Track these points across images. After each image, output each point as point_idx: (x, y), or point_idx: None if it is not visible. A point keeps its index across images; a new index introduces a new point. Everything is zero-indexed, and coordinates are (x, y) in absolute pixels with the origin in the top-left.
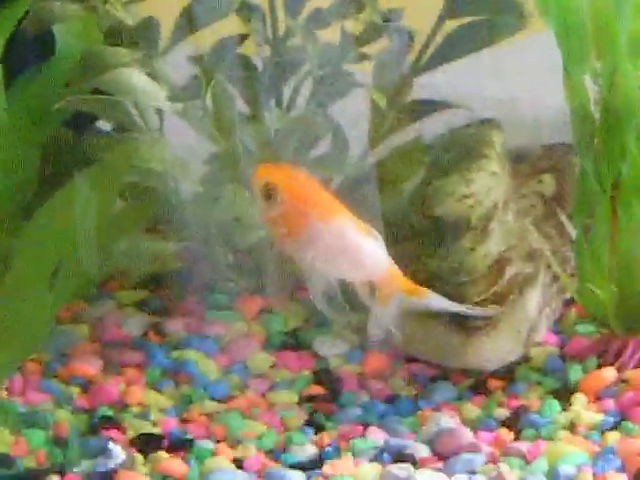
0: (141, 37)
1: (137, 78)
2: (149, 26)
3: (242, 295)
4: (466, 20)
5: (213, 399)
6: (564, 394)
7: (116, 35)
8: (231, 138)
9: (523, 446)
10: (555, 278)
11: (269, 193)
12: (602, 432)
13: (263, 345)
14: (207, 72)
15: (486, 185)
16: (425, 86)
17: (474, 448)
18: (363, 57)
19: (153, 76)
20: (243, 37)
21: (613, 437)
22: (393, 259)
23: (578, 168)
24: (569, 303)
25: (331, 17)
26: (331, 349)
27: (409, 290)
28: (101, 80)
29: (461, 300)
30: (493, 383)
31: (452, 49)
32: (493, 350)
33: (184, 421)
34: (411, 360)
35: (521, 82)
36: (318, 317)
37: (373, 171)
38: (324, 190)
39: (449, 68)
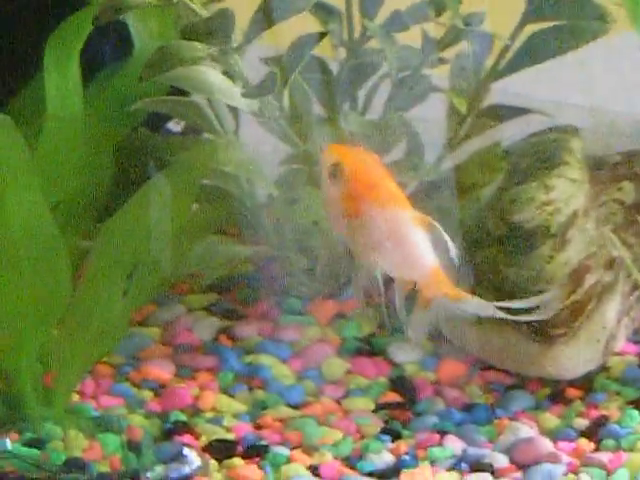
0: (216, 29)
1: (212, 75)
2: (224, 18)
3: (316, 300)
4: (547, 24)
5: (288, 405)
6: None
7: (192, 30)
8: (308, 139)
9: (604, 457)
10: (635, 287)
11: (335, 172)
12: None
13: (337, 351)
14: (284, 71)
15: (566, 192)
16: (503, 91)
17: (554, 458)
18: (441, 61)
19: (228, 73)
20: (321, 35)
21: None
22: (471, 266)
23: None
24: None
25: (410, 20)
26: (406, 356)
27: (453, 295)
28: (175, 76)
29: (540, 309)
30: (571, 393)
31: (531, 54)
32: (572, 359)
33: (258, 427)
34: (487, 368)
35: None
36: (393, 323)
37: (450, 176)
38: (389, 178)
39: (527, 73)
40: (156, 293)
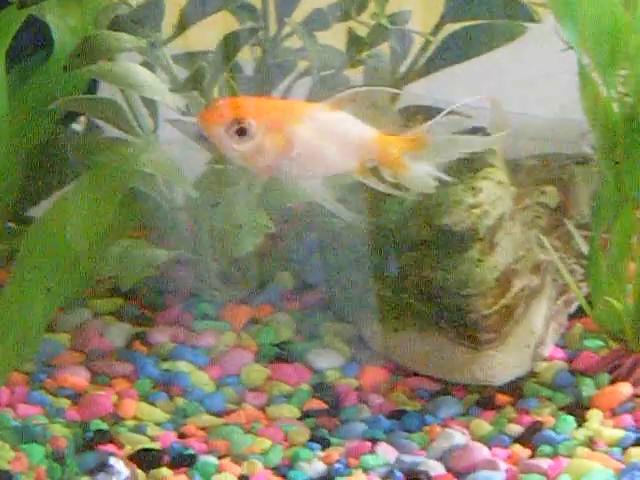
0: (145, 19)
1: (139, 69)
2: (154, 8)
3: (229, 305)
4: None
5: (210, 413)
6: (577, 410)
7: (122, 21)
8: None
9: (544, 463)
10: (562, 291)
11: (241, 129)
12: (624, 448)
13: (255, 357)
14: (214, 68)
15: (493, 195)
16: (416, 93)
17: (492, 465)
18: (358, 62)
19: (154, 66)
20: (252, 32)
21: (637, 453)
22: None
23: (596, 178)
24: (574, 317)
25: (331, 18)
26: (326, 362)
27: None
28: (100, 70)
29: (469, 313)
30: (501, 399)
31: (448, 54)
32: (501, 365)
33: (182, 436)
34: (410, 374)
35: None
36: (309, 328)
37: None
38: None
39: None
40: (74, 298)
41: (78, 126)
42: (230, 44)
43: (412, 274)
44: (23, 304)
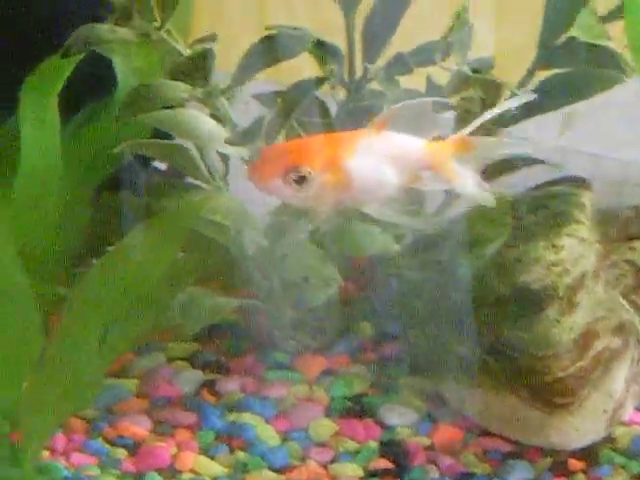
0: (197, 70)
1: (199, 118)
2: (205, 58)
3: (304, 355)
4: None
5: (271, 468)
6: None
7: (177, 70)
8: None
9: None
10: None
11: (299, 177)
12: None
13: (325, 411)
14: (282, 115)
15: (575, 252)
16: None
17: None
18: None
19: (215, 116)
20: (321, 81)
21: None
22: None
23: None
24: None
25: (414, 63)
26: (399, 418)
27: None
28: (158, 118)
29: (544, 375)
30: (574, 464)
31: (543, 102)
32: (576, 429)
33: None
34: (484, 433)
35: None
36: (385, 382)
37: (452, 229)
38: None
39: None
40: (136, 344)
41: (161, 166)
42: (299, 90)
43: (488, 331)
44: (77, 350)
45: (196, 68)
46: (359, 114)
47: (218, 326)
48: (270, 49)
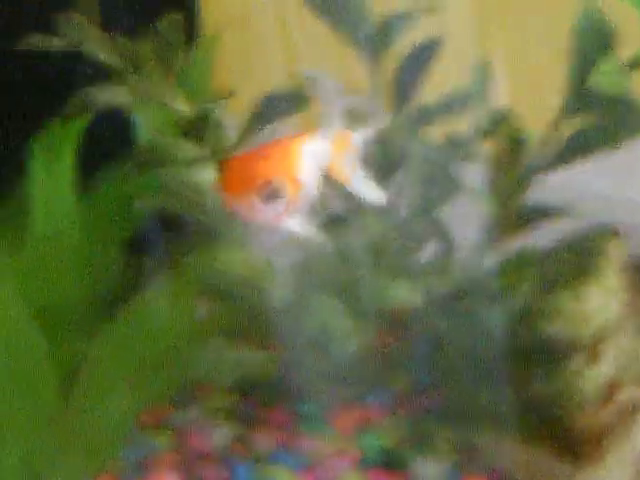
0: (201, 130)
1: (209, 177)
2: (207, 118)
3: (337, 407)
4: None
5: None
6: None
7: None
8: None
9: None
10: None
11: (273, 192)
12: None
13: (357, 463)
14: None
15: (600, 302)
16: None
17: None
18: (473, 157)
19: None
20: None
21: None
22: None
23: None
24: None
25: (438, 114)
26: (430, 470)
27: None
28: (167, 176)
29: (567, 426)
30: None
31: (573, 151)
32: None
33: None
34: None
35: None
36: (418, 434)
37: (480, 280)
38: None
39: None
40: (165, 397)
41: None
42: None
43: (515, 382)
44: (99, 404)
45: (202, 127)
46: (387, 166)
47: (251, 378)
48: (269, 109)
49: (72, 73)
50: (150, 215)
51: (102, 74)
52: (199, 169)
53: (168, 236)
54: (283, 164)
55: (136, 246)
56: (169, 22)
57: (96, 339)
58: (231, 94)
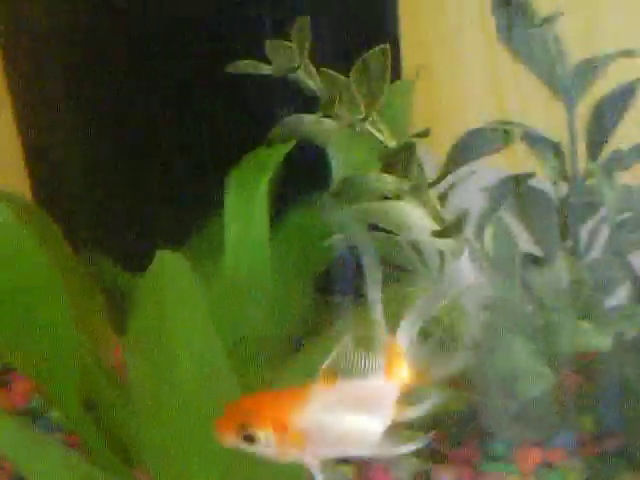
0: (411, 163)
1: (409, 211)
2: (407, 151)
3: (522, 446)
4: None
5: None
6: None
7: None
8: (510, 282)
9: None
10: None
11: (249, 436)
12: None
13: None
14: (491, 208)
15: None
16: None
17: None
18: None
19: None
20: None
21: None
22: None
23: None
24: None
25: (633, 159)
26: None
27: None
28: (366, 210)
29: None
30: None
31: None
32: None
33: None
34: None
35: None
36: (601, 476)
37: None
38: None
39: None
40: None
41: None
42: (507, 185)
43: None
44: None
45: (408, 161)
46: (580, 210)
47: (441, 415)
48: (472, 144)
49: (278, 101)
50: (344, 251)
51: (307, 104)
52: (399, 205)
53: (360, 273)
54: (269, 414)
55: (326, 282)
56: (377, 54)
57: (281, 374)
58: (428, 132)
